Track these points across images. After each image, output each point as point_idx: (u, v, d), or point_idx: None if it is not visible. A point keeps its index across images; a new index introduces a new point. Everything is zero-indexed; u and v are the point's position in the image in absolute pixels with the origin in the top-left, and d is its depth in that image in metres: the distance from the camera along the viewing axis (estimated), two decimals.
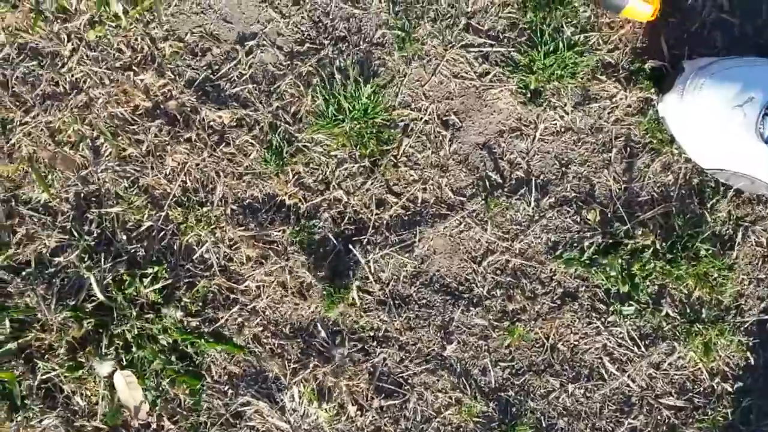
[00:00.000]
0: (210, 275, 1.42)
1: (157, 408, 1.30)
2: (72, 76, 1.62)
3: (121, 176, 1.46)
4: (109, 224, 1.43)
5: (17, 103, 1.61)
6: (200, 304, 1.41)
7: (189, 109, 1.61)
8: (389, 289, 1.51)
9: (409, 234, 1.57)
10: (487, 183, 1.61)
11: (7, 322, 1.32)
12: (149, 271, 1.39)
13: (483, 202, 1.59)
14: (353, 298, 1.51)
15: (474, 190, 1.61)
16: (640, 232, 1.54)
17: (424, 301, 1.56)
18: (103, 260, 1.39)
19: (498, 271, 1.57)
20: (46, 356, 1.35)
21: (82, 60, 1.63)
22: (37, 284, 1.36)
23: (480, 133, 1.64)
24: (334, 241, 1.55)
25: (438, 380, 1.53)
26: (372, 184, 1.60)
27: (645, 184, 1.60)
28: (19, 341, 1.33)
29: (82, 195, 1.55)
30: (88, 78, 1.62)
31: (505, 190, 1.60)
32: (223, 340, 1.39)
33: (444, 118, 1.63)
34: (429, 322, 1.57)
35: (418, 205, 1.61)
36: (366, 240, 1.51)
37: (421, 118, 1.61)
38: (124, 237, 1.43)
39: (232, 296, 1.42)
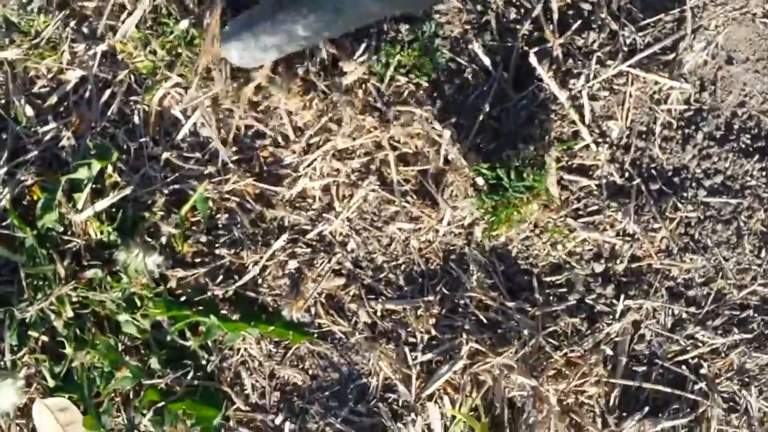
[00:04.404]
0: (218, 172, 0.76)
1: None
2: None
3: None
4: None
5: None
6: (202, 237, 0.77)
7: None
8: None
9: None
10: None
11: None
12: (82, 174, 0.75)
13: None
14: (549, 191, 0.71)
15: None
16: None
17: None
18: None
19: None
20: None
21: None
22: None
23: None
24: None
25: None
26: None
27: None
28: None
29: None
30: None
31: None
32: (263, 317, 0.75)
33: None
34: None
35: None
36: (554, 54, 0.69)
37: None
38: (29, 111, 0.79)
39: (270, 214, 0.76)
